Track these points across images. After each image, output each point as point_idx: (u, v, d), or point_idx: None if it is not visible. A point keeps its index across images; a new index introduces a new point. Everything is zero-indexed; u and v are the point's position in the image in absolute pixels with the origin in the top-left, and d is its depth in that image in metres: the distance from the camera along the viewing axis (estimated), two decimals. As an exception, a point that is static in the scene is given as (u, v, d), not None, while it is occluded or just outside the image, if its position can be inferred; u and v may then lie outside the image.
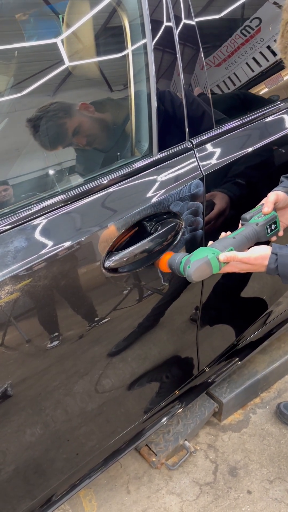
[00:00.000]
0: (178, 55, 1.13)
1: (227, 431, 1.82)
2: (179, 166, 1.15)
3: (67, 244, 0.97)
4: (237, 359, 1.74)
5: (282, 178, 1.23)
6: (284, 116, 1.39)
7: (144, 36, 1.09)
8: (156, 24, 1.09)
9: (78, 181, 1.08)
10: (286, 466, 1.67)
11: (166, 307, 1.28)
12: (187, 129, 1.17)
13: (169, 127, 1.15)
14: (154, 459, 1.65)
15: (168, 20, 1.11)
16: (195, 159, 1.18)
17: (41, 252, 0.94)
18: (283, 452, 1.72)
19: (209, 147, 1.22)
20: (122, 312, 1.15)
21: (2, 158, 1.07)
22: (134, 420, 1.42)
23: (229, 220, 1.25)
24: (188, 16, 1.14)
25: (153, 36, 1.09)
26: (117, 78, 1.16)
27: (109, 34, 1.15)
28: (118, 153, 1.15)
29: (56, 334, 1.02)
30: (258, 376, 1.87)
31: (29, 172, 1.10)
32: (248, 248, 1.04)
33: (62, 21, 1.08)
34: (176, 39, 1.12)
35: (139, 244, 1.05)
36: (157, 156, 1.13)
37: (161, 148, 1.14)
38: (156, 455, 1.65)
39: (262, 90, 1.40)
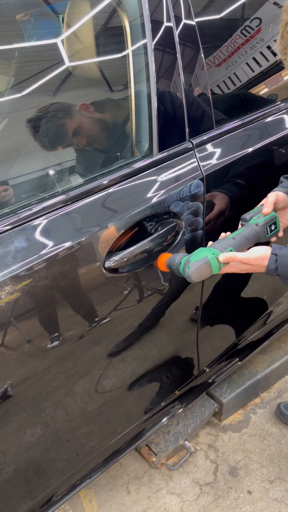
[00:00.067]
0: (178, 55, 1.13)
1: (227, 431, 1.82)
2: (179, 166, 1.15)
3: (68, 244, 0.97)
4: (237, 359, 1.74)
5: (282, 178, 1.23)
6: (284, 116, 1.39)
7: (144, 36, 1.09)
8: (156, 24, 1.09)
9: (78, 181, 1.08)
10: (286, 466, 1.67)
11: (166, 307, 1.28)
12: (187, 129, 1.17)
13: (169, 127, 1.15)
14: (154, 459, 1.65)
15: (168, 20, 1.11)
16: (195, 159, 1.18)
17: (41, 253, 0.94)
18: (283, 452, 1.72)
19: (209, 147, 1.22)
20: (122, 312, 1.15)
21: (2, 158, 1.07)
22: (134, 420, 1.42)
23: (229, 220, 1.25)
24: (188, 16, 1.14)
25: (153, 36, 1.09)
26: (117, 78, 1.16)
27: (109, 34, 1.15)
28: (118, 154, 1.14)
29: (57, 334, 1.02)
30: (258, 376, 1.87)
31: (29, 172, 1.10)
32: (248, 249, 1.04)
33: (62, 21, 1.08)
34: (176, 39, 1.12)
35: (139, 244, 1.05)
36: (157, 156, 1.13)
37: (161, 148, 1.14)
38: (156, 455, 1.65)
39: (262, 90, 1.40)
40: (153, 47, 1.09)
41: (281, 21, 0.96)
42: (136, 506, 1.58)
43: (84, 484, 1.36)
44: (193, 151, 1.18)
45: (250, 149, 1.27)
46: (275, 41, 1.33)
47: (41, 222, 0.98)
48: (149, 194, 1.09)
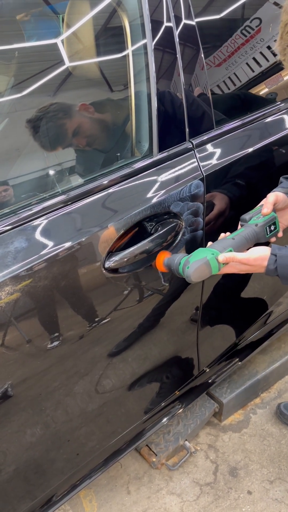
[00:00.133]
0: (178, 55, 1.13)
1: (228, 432, 1.82)
2: (179, 167, 1.15)
3: (68, 244, 0.97)
4: (237, 359, 1.74)
5: (281, 179, 1.23)
6: (284, 116, 1.39)
7: (144, 37, 1.09)
8: (156, 24, 1.09)
9: (79, 182, 1.08)
10: (286, 466, 1.67)
11: (167, 307, 1.28)
12: (187, 130, 1.17)
13: (169, 128, 1.15)
14: (154, 460, 1.65)
15: (168, 20, 1.11)
16: (195, 160, 1.18)
17: (41, 253, 0.94)
18: (283, 452, 1.72)
19: (209, 147, 1.22)
20: (122, 312, 1.15)
21: (2, 158, 1.07)
22: (135, 420, 1.42)
23: (229, 221, 1.25)
24: (188, 16, 1.14)
25: (153, 37, 1.09)
26: (117, 78, 1.16)
27: (109, 35, 1.15)
28: (118, 154, 1.14)
29: (57, 334, 1.02)
30: (258, 377, 1.87)
31: (29, 172, 1.10)
32: (248, 249, 1.04)
33: (62, 22, 1.08)
34: (176, 39, 1.12)
35: (139, 244, 1.05)
36: (157, 156, 1.13)
37: (161, 149, 1.14)
38: (156, 455, 1.65)
39: (262, 90, 1.40)
40: (153, 47, 1.09)
41: (281, 21, 0.96)
42: (136, 506, 1.58)
43: (84, 484, 1.36)
44: (193, 151, 1.18)
45: (250, 149, 1.27)
46: (275, 41, 1.32)
47: (41, 222, 0.98)
48: (149, 194, 1.09)
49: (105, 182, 1.06)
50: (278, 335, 1.91)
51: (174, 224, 1.11)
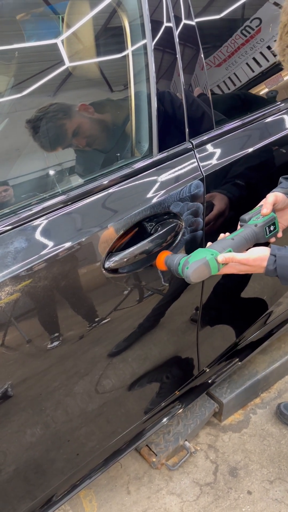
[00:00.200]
0: (178, 56, 1.13)
1: (228, 432, 1.82)
2: (179, 167, 1.15)
3: (68, 244, 0.97)
4: (237, 359, 1.74)
5: (281, 179, 1.23)
6: (284, 116, 1.39)
7: (144, 37, 1.09)
8: (156, 24, 1.09)
9: (79, 182, 1.08)
10: (286, 466, 1.67)
11: (167, 307, 1.28)
12: (187, 130, 1.17)
13: (169, 128, 1.15)
14: (154, 460, 1.65)
15: (168, 20, 1.11)
16: (195, 160, 1.18)
17: (41, 253, 0.94)
18: (283, 452, 1.72)
19: (209, 147, 1.22)
20: (122, 312, 1.15)
21: (2, 158, 1.07)
22: (135, 420, 1.42)
23: (229, 221, 1.25)
24: (188, 17, 1.14)
25: (153, 37, 1.09)
26: (117, 78, 1.16)
27: (109, 35, 1.15)
28: (118, 154, 1.14)
29: (57, 334, 1.02)
30: (258, 377, 1.87)
31: (29, 172, 1.10)
32: (247, 249, 1.04)
33: (62, 22, 1.08)
34: (176, 39, 1.12)
35: (139, 244, 1.05)
36: (157, 156, 1.13)
37: (161, 149, 1.14)
38: (156, 455, 1.65)
39: (262, 90, 1.40)
40: (153, 48, 1.09)
41: (280, 22, 0.96)
42: (136, 507, 1.59)
43: (84, 484, 1.36)
44: (193, 152, 1.18)
45: (250, 150, 1.27)
46: (275, 41, 1.32)
47: (41, 222, 0.98)
48: (149, 195, 1.09)
49: (105, 182, 1.06)
50: (278, 335, 1.91)
51: (174, 224, 1.11)
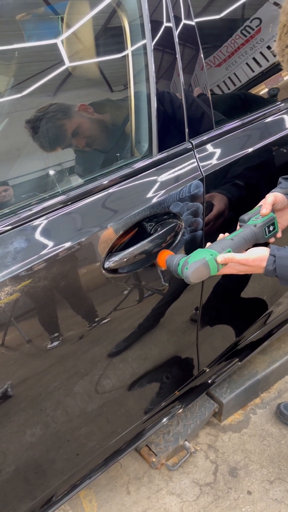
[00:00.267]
0: (178, 56, 1.13)
1: (227, 432, 1.82)
2: (179, 167, 1.15)
3: (67, 244, 0.97)
4: (237, 359, 1.74)
5: (280, 179, 1.23)
6: (284, 116, 1.39)
7: (144, 37, 1.09)
8: (156, 24, 1.09)
9: (79, 182, 1.08)
10: (286, 466, 1.67)
11: (166, 307, 1.28)
12: (187, 130, 1.17)
13: (169, 128, 1.15)
14: (154, 460, 1.65)
15: (168, 20, 1.11)
16: (195, 160, 1.18)
17: (41, 253, 0.95)
18: (283, 452, 1.72)
19: (209, 147, 1.22)
20: (122, 312, 1.15)
21: (2, 158, 1.07)
22: (135, 420, 1.42)
23: (229, 221, 1.25)
24: (188, 17, 1.14)
25: (153, 37, 1.09)
26: (117, 78, 1.16)
27: (109, 35, 1.15)
28: (118, 154, 1.15)
29: (57, 334, 1.02)
30: (258, 377, 1.87)
31: (29, 172, 1.10)
32: (246, 250, 1.04)
33: (62, 22, 1.08)
34: (176, 39, 1.12)
35: (139, 244, 1.05)
36: (157, 156, 1.13)
37: (161, 149, 1.14)
38: (156, 455, 1.65)
39: (262, 90, 1.40)
40: (152, 48, 1.09)
41: (279, 22, 0.96)
42: (136, 507, 1.59)
43: (84, 485, 1.36)
44: (192, 152, 1.18)
45: (250, 150, 1.27)
46: (274, 41, 1.33)
47: (41, 222, 0.98)
48: (149, 195, 1.09)
49: (105, 182, 1.06)
50: (278, 335, 1.91)
51: (174, 224, 1.11)
